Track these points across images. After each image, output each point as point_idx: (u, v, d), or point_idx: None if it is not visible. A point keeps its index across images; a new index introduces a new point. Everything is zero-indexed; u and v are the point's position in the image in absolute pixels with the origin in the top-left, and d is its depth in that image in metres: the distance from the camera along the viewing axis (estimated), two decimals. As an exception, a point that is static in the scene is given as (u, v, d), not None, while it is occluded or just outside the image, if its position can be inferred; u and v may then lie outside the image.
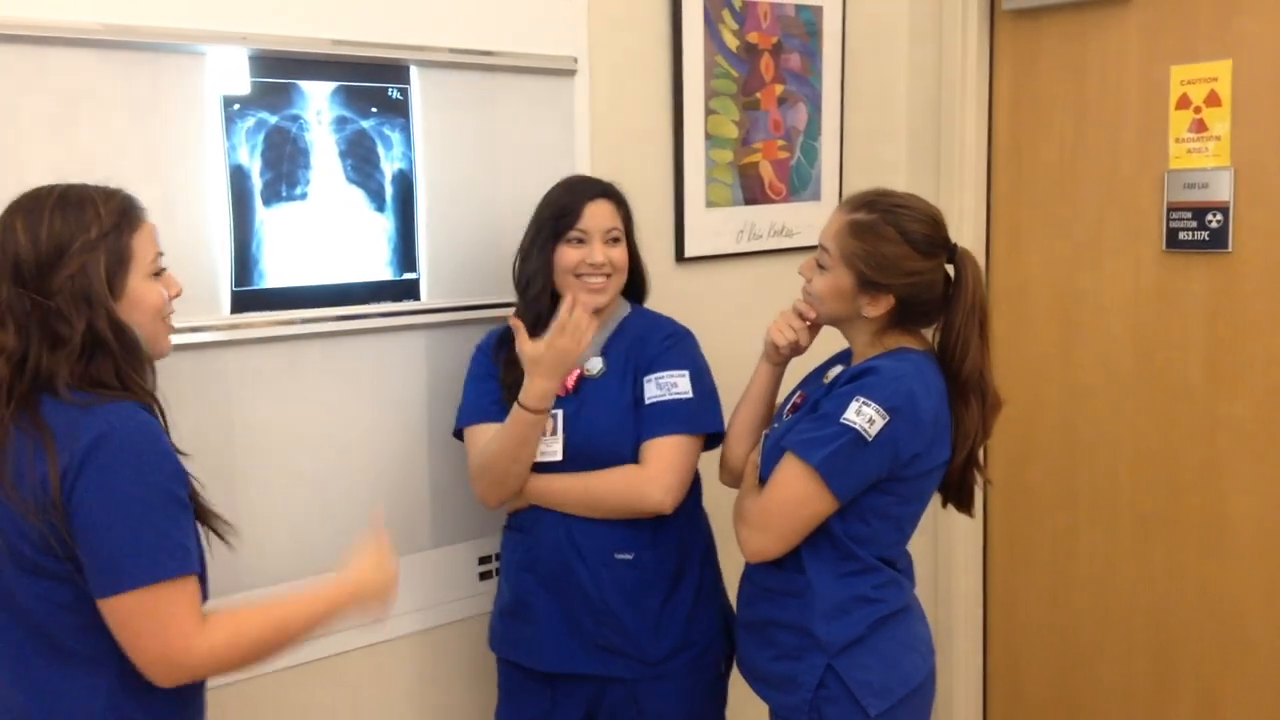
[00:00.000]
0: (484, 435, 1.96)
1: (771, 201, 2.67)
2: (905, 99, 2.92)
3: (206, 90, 1.86)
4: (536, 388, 1.86)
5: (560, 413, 1.94)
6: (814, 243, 1.82)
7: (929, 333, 1.81)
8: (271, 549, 1.98)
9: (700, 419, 1.96)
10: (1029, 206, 2.80)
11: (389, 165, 2.07)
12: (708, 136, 2.52)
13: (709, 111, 2.52)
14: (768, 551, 1.76)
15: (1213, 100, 2.46)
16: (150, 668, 1.38)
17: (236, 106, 1.89)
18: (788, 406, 1.89)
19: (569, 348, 1.84)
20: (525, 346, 1.86)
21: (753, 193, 2.63)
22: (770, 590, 1.82)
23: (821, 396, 1.76)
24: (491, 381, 1.99)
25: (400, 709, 2.19)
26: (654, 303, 2.13)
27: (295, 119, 1.95)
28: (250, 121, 1.91)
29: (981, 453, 1.85)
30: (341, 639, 2.07)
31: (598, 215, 1.96)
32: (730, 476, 1.98)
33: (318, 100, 1.98)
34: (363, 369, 2.07)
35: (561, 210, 1.96)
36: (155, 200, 1.78)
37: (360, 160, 2.03)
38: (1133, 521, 2.66)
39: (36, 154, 1.71)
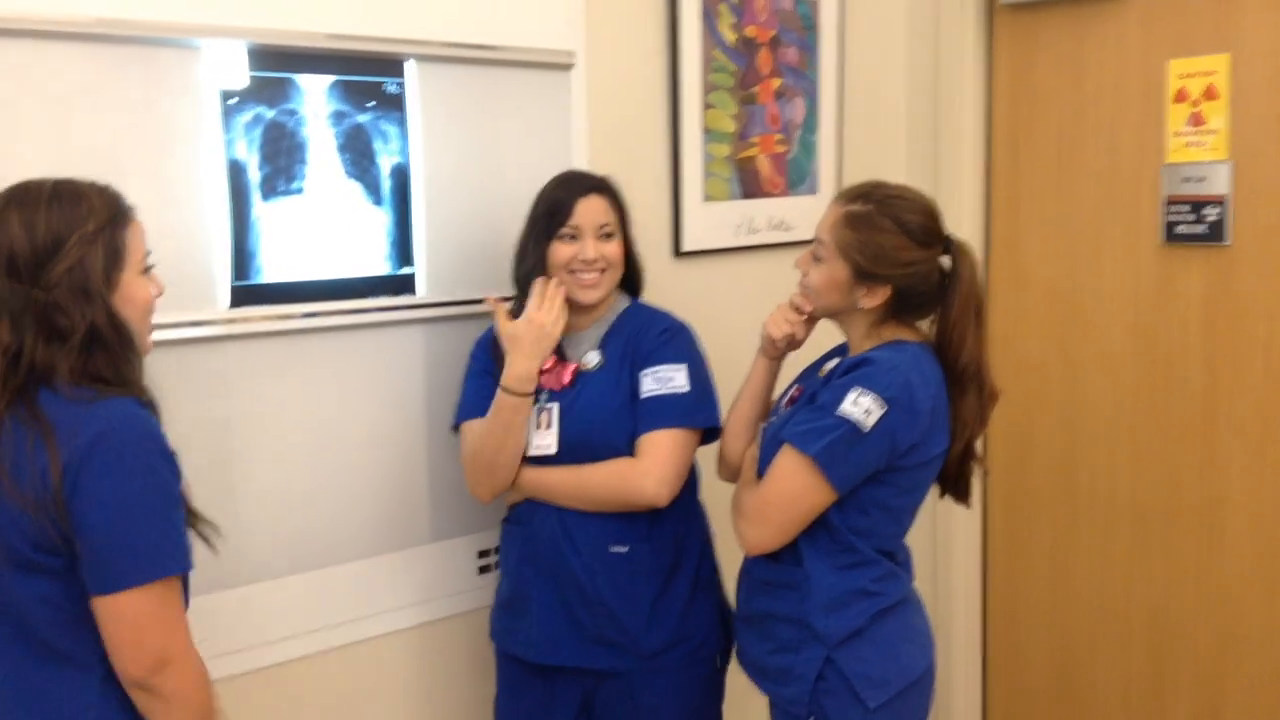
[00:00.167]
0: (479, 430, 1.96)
1: (769, 196, 2.67)
2: (903, 93, 2.91)
3: (203, 84, 1.86)
4: (516, 368, 1.88)
5: (555, 406, 1.95)
6: (812, 237, 1.82)
7: (925, 325, 1.81)
8: (269, 543, 1.98)
9: (696, 413, 1.96)
10: (1027, 200, 2.80)
11: (386, 159, 2.07)
12: (705, 131, 2.52)
13: (706, 105, 2.52)
14: (766, 544, 1.76)
15: (1210, 94, 2.46)
16: (141, 665, 1.37)
17: (233, 101, 1.89)
18: (784, 400, 1.89)
19: (545, 322, 1.88)
20: (504, 326, 1.89)
21: (750, 187, 2.63)
22: (769, 583, 1.82)
23: (818, 389, 1.76)
24: (489, 378, 1.99)
25: (399, 702, 2.19)
26: (651, 297, 2.13)
27: (292, 113, 1.95)
28: (247, 116, 1.91)
29: (979, 443, 1.85)
30: (341, 633, 2.08)
31: (589, 211, 1.96)
32: (728, 472, 1.98)
33: (315, 94, 1.98)
34: (360, 363, 2.07)
35: (554, 207, 1.96)
36: (153, 195, 1.79)
37: (357, 154, 2.03)
38: (1131, 514, 2.66)
39: (33, 150, 1.70)
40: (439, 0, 2.09)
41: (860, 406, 1.65)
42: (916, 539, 1.89)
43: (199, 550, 1.47)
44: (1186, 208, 2.50)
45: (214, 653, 1.89)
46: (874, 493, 1.72)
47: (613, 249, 1.98)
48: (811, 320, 1.89)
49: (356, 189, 2.04)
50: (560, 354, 2.00)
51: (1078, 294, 2.71)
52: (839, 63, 2.76)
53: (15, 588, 1.38)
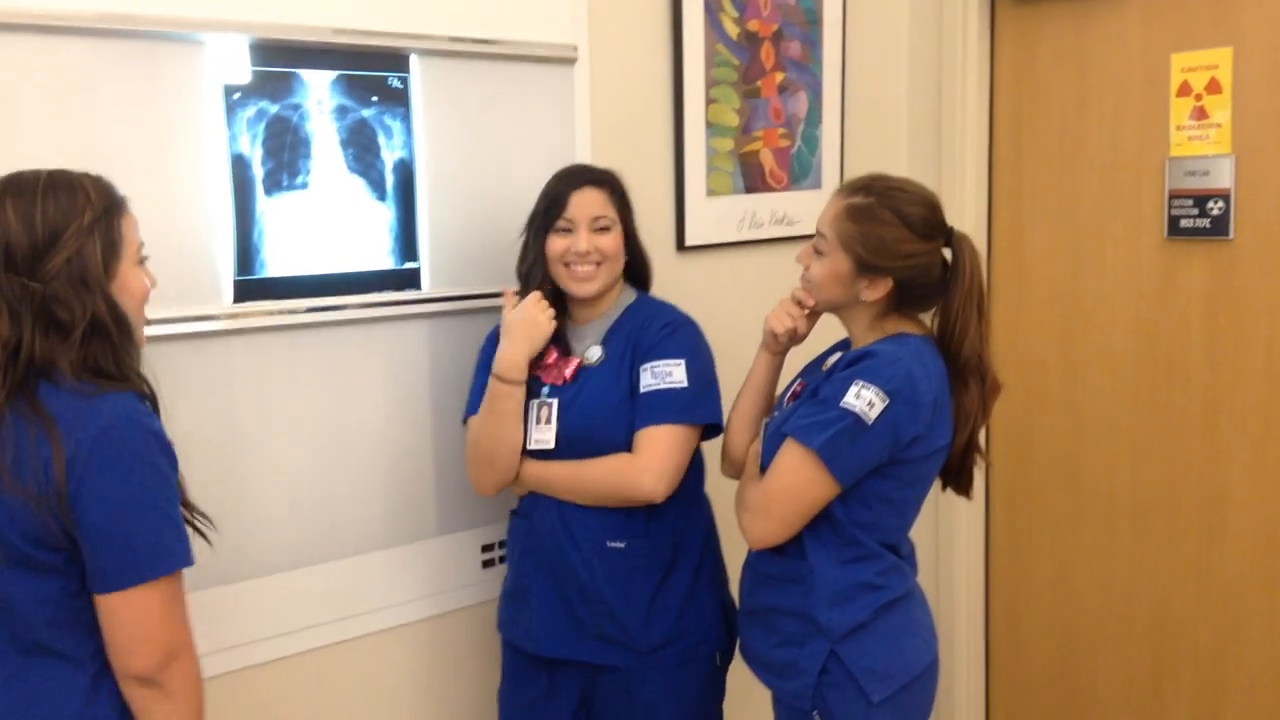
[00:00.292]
0: None
1: (772, 190, 2.67)
2: (906, 87, 2.91)
3: (207, 79, 1.86)
4: (506, 354, 1.91)
5: (555, 401, 1.95)
6: (815, 231, 1.82)
7: (927, 317, 1.81)
8: (273, 538, 1.98)
9: (696, 409, 1.94)
10: (1029, 194, 2.79)
11: (389, 154, 2.07)
12: (708, 125, 2.52)
13: (710, 100, 2.51)
14: (770, 538, 1.76)
15: (1214, 88, 2.45)
16: (150, 660, 1.37)
17: (237, 95, 1.89)
18: (787, 395, 1.89)
19: (534, 313, 1.91)
20: (503, 316, 1.94)
21: (753, 181, 2.63)
22: (772, 577, 1.82)
23: (821, 382, 1.76)
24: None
25: (404, 694, 2.19)
26: (654, 292, 2.13)
27: (296, 108, 1.95)
28: (251, 110, 1.91)
29: (982, 435, 1.85)
30: (346, 627, 2.08)
31: (584, 204, 1.96)
32: (731, 468, 1.98)
33: (318, 89, 1.98)
34: (364, 358, 2.07)
35: (550, 200, 1.97)
36: (157, 190, 1.80)
37: (361, 149, 2.04)
38: (1133, 509, 2.66)
39: (35, 145, 1.70)
40: (442, -5, 2.10)
41: (863, 399, 1.65)
42: (919, 533, 1.89)
43: (202, 545, 1.48)
44: (1190, 202, 2.50)
45: (220, 647, 1.91)
46: (877, 486, 1.72)
47: (608, 242, 1.97)
48: (814, 315, 1.89)
49: (360, 184, 2.04)
50: (565, 348, 2.00)
51: (1080, 288, 2.71)
52: (842, 57, 2.76)
53: (11, 585, 1.37)
